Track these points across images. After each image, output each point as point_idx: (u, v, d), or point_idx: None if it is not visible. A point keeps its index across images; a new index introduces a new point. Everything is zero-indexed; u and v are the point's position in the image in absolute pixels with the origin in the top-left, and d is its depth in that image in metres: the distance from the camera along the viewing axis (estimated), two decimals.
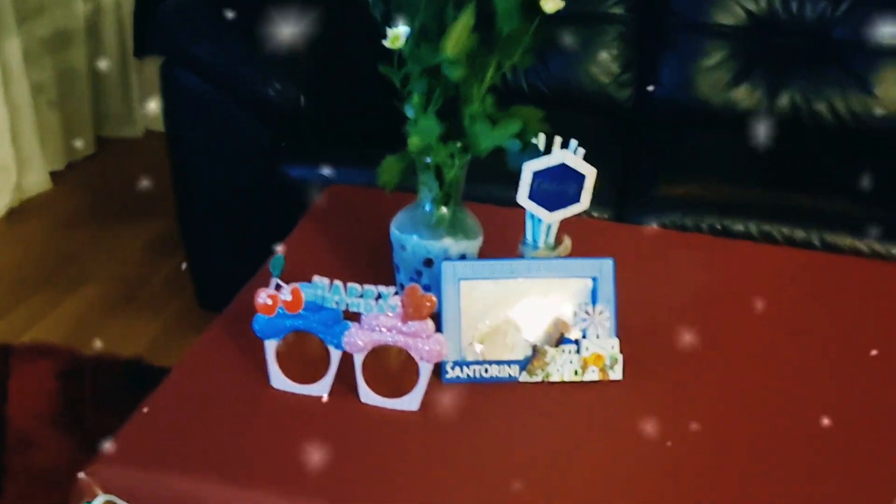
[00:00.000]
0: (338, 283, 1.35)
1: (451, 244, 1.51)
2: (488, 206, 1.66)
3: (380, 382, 1.38)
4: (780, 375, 1.47)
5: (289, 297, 1.35)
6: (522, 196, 1.45)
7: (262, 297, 1.36)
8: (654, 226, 1.98)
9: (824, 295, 1.64)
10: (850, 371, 1.47)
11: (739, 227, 2.03)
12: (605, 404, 1.40)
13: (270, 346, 1.39)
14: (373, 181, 1.47)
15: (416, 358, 1.35)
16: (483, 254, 1.54)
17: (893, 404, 1.41)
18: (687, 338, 1.53)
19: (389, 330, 1.35)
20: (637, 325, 1.46)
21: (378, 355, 1.37)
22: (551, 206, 1.46)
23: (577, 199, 1.47)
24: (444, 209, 1.52)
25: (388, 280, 1.61)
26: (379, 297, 1.33)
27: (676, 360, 1.49)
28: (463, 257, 1.54)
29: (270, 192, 2.16)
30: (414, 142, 1.45)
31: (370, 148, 1.62)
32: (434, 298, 1.34)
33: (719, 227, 2.04)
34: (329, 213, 1.79)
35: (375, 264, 1.64)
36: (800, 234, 2.02)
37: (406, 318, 1.34)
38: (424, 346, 1.34)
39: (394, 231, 1.54)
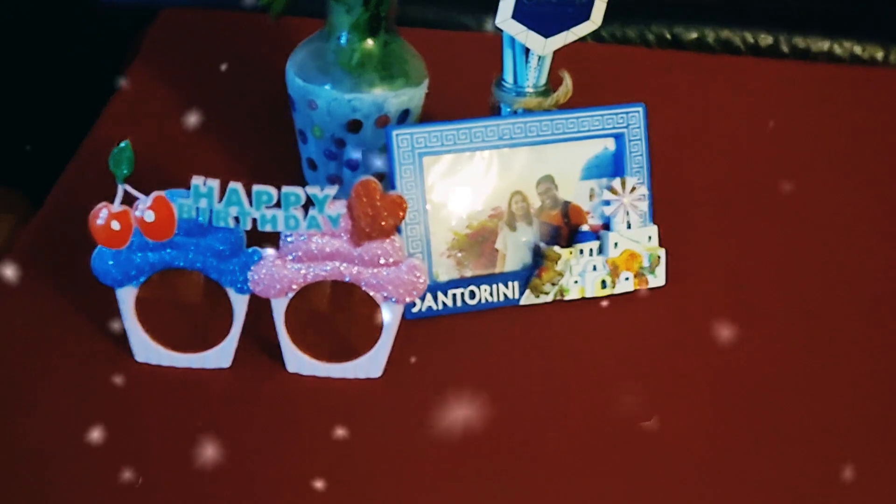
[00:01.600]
0: (235, 186, 0.71)
1: (387, 96, 0.91)
2: (431, 32, 1.07)
3: (317, 340, 0.79)
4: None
5: (150, 216, 0.71)
6: (504, 15, 0.84)
7: (104, 217, 0.71)
8: (590, 41, 1.40)
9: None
10: None
11: (693, 34, 1.49)
12: (655, 327, 0.87)
13: (126, 298, 0.76)
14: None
15: (378, 298, 0.74)
16: (430, 110, 0.95)
17: None
18: (734, 207, 1.00)
19: (330, 257, 0.73)
20: (658, 197, 0.91)
21: (312, 299, 0.78)
22: (548, 29, 0.86)
23: (584, 15, 0.85)
24: (369, 41, 0.91)
25: (288, 158, 0.99)
26: (309, 203, 0.70)
27: (726, 245, 0.96)
28: (405, 115, 0.93)
29: (77, 29, 1.46)
30: None
31: None
32: (402, 197, 0.73)
33: (669, 35, 1.50)
34: (170, 58, 1.13)
35: (265, 134, 1.03)
36: (766, 39, 1.49)
37: (359, 235, 0.73)
38: (391, 278, 0.73)
39: (293, 79, 0.93)
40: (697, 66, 1.24)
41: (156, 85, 1.09)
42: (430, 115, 0.95)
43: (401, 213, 0.73)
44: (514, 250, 0.88)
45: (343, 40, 0.91)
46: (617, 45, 1.36)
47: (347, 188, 0.89)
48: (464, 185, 0.86)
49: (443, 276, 0.86)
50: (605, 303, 0.88)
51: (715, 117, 1.11)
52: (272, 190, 0.72)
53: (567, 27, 0.87)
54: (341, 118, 0.91)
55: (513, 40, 0.87)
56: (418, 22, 1.37)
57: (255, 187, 0.72)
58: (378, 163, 0.94)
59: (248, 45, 1.15)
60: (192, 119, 1.03)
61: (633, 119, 0.89)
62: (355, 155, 0.94)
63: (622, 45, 1.34)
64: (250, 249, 0.76)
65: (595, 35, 0.96)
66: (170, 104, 1.06)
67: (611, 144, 0.89)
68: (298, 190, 0.72)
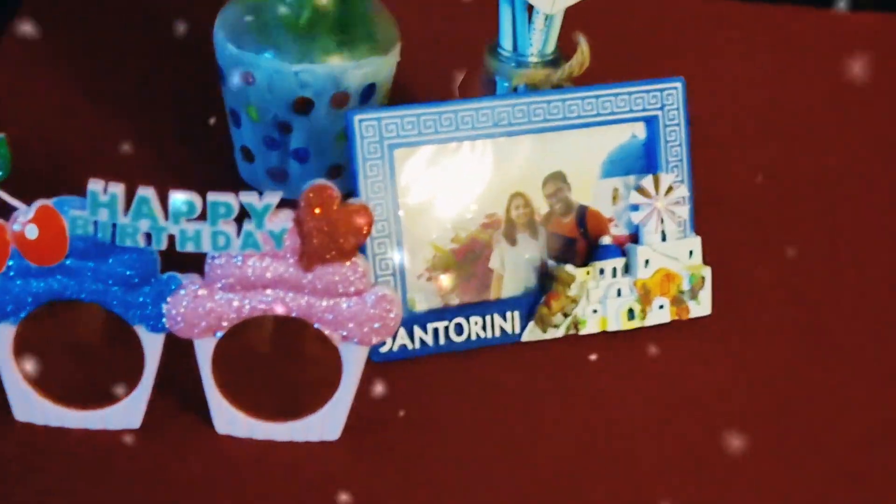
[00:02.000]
0: (146, 192, 0.70)
1: (346, 67, 0.90)
2: None
3: (255, 393, 0.78)
4: None
5: (33, 232, 0.71)
6: None
7: None
8: None
9: None
10: None
11: None
12: (699, 370, 0.86)
13: (1, 338, 0.74)
14: None
15: (335, 338, 0.74)
16: (403, 86, 0.96)
17: None
18: (802, 212, 1.01)
19: (272, 285, 0.73)
20: (703, 199, 0.91)
21: (248, 339, 0.77)
22: None
23: None
24: None
25: (216, 147, 0.98)
26: (243, 216, 0.70)
27: (792, 262, 0.96)
28: (370, 91, 0.92)
29: None
30: None
31: None
32: (368, 208, 0.72)
33: None
34: (60, 13, 1.12)
35: (186, 116, 1.02)
36: None
37: (310, 258, 0.72)
38: (353, 312, 0.74)
39: (223, 44, 0.92)
40: (759, 19, 1.24)
41: (38, 52, 1.07)
42: (403, 92, 0.95)
43: (365, 229, 0.72)
44: (514, 270, 0.87)
45: None
46: None
47: (294, 186, 0.89)
48: (448, 185, 0.85)
49: (421, 306, 0.85)
50: (633, 338, 0.87)
51: (784, 91, 1.11)
52: (195, 198, 0.71)
53: None
54: (286, 96, 0.90)
55: None
56: None
57: (173, 194, 0.70)
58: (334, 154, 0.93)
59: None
60: (89, 98, 1.01)
61: (669, 98, 0.88)
62: (304, 143, 0.92)
63: None
64: (166, 276, 0.74)
65: None
66: (57, 79, 1.04)
67: (640, 131, 0.88)
68: (230, 198, 0.71)
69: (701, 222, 0.90)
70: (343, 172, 0.94)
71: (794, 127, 1.07)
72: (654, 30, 1.15)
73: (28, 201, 0.71)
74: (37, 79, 1.04)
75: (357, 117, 0.82)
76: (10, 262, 0.73)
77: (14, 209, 0.71)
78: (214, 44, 0.92)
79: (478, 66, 0.92)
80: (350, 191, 0.82)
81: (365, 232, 0.72)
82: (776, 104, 1.10)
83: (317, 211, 0.71)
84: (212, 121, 0.98)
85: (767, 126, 1.08)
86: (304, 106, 0.90)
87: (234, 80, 0.91)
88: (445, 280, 0.86)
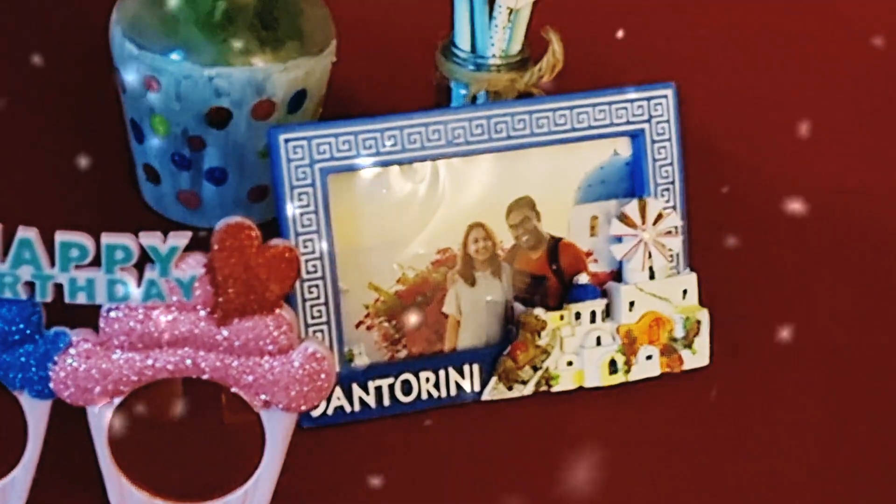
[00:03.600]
0: (27, 234, 0.73)
1: (270, 70, 0.94)
2: None
3: (160, 471, 0.81)
4: None
5: None
6: None
7: None
8: None
9: None
10: None
11: None
12: (695, 434, 0.90)
13: None
14: None
15: (256, 404, 0.77)
16: (339, 92, 1.00)
17: None
18: (821, 241, 1.05)
19: (180, 342, 0.77)
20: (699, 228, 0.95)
21: (151, 406, 0.81)
22: None
23: None
24: None
25: (113, 165, 1.02)
26: (144, 260, 0.74)
27: (806, 301, 1.01)
28: (300, 99, 0.96)
29: None
30: None
31: None
32: (294, 251, 0.75)
33: None
34: None
35: (75, 128, 1.06)
36: None
37: (225, 310, 0.75)
38: (277, 373, 0.77)
39: (121, 43, 0.95)
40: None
41: None
42: (339, 100, 0.99)
43: (291, 276, 0.74)
44: (472, 316, 0.91)
45: None
46: None
47: (209, 213, 0.92)
48: (393, 216, 0.89)
49: (360, 360, 0.89)
50: (615, 396, 0.91)
51: (795, 92, 1.16)
52: (87, 240, 0.73)
53: None
54: (198, 105, 0.94)
55: None
56: None
57: (61, 235, 0.73)
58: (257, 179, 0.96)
59: None
60: None
61: (658, 108, 0.92)
62: (220, 162, 0.96)
63: None
64: (52, 332, 0.77)
65: None
66: None
67: (624, 148, 0.92)
68: (128, 239, 0.73)
69: (697, 255, 0.94)
70: (268, 195, 0.97)
71: (806, 140, 1.11)
72: (640, 24, 1.19)
73: None
74: None
75: (282, 136, 0.85)
76: None
77: None
78: (110, 41, 0.95)
79: (429, 69, 0.96)
80: (275, 218, 0.86)
81: (291, 279, 0.75)
82: (785, 110, 1.14)
83: (232, 259, 0.73)
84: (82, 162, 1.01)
85: (775, 138, 1.12)
86: (219, 117, 0.94)
87: (134, 85, 0.94)
88: (391, 327, 0.89)
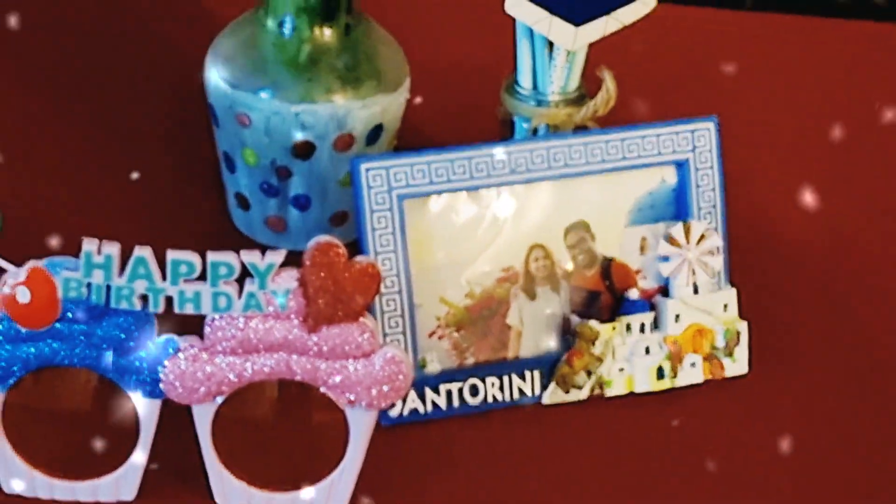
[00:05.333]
0: (142, 252, 0.80)
1: (351, 106, 1.01)
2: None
3: (257, 462, 0.88)
4: None
5: (24, 296, 0.81)
6: None
7: None
8: None
9: None
10: None
11: None
12: (735, 434, 0.96)
13: None
14: None
15: (342, 402, 0.84)
16: (413, 125, 1.06)
17: None
18: (850, 260, 1.11)
19: (275, 347, 0.84)
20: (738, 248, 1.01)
21: (249, 405, 0.87)
22: (580, 14, 0.96)
23: None
24: (326, 30, 1.01)
25: (208, 192, 1.09)
26: (245, 275, 0.81)
27: (838, 314, 1.06)
28: (377, 133, 1.02)
29: None
30: None
31: None
32: (377, 267, 0.83)
33: None
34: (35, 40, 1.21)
35: (174, 158, 1.13)
36: None
37: (315, 318, 0.82)
38: (361, 375, 0.84)
39: (215, 82, 1.02)
40: (811, 34, 1.34)
41: (18, 103, 1.17)
42: (413, 132, 1.05)
43: (373, 289, 0.82)
44: (533, 327, 0.97)
45: (287, 28, 1.00)
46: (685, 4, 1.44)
47: (294, 236, 0.99)
48: (462, 238, 0.95)
49: (433, 366, 0.95)
50: (663, 400, 0.97)
51: (831, 125, 1.20)
52: (194, 258, 0.80)
53: (606, 10, 0.96)
54: (285, 138, 1.00)
55: (531, 29, 0.97)
56: None
57: (171, 254, 0.80)
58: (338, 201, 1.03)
59: (146, 19, 1.23)
60: (74, 148, 1.11)
61: (701, 139, 0.98)
62: (305, 190, 1.02)
63: (695, 6, 1.42)
64: (163, 339, 0.84)
65: None
66: (41, 131, 1.14)
67: (670, 175, 0.99)
68: (231, 257, 0.80)
69: (737, 272, 0.99)
70: (348, 219, 1.03)
71: (842, 166, 1.17)
72: (685, 63, 1.24)
73: (18, 262, 0.81)
74: (21, 133, 1.14)
75: (364, 166, 0.92)
76: (3, 323, 0.83)
77: (3, 271, 0.81)
78: (205, 81, 1.02)
79: (495, 105, 1.02)
80: (355, 239, 0.92)
81: (373, 292, 0.83)
82: (821, 140, 1.18)
83: (322, 274, 0.81)
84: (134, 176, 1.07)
85: (811, 165, 1.17)
86: (304, 149, 1.00)
87: (227, 120, 1.01)
88: (457, 336, 0.95)
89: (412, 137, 1.06)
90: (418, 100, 1.04)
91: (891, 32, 1.38)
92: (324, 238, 0.82)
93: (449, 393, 0.95)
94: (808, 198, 1.13)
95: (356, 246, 0.91)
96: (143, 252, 0.81)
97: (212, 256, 0.81)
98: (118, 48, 1.21)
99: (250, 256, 0.81)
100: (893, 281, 1.09)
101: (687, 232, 0.97)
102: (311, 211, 1.03)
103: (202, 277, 0.81)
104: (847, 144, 1.19)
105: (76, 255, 0.80)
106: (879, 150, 1.20)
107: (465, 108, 1.06)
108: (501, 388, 0.96)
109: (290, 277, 0.82)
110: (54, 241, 0.90)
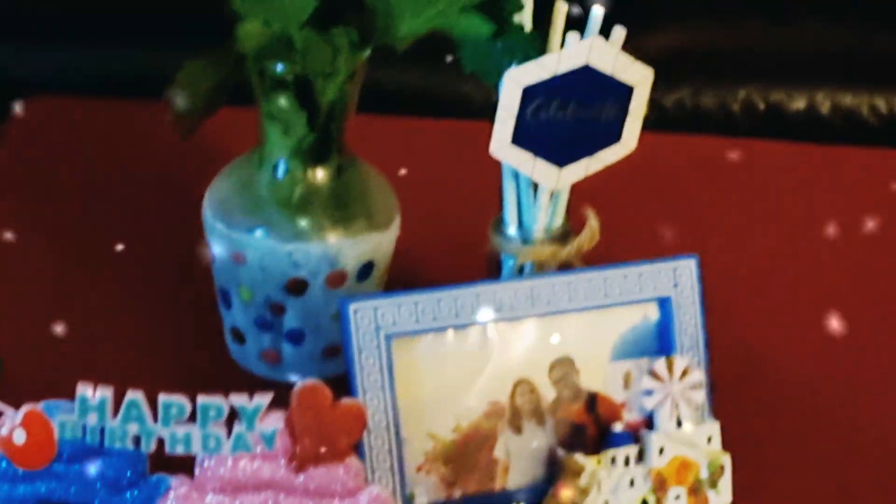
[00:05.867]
0: (135, 396, 0.83)
1: (342, 245, 1.04)
2: (404, 123, 1.23)
3: None
4: None
5: (21, 437, 0.84)
6: (501, 141, 0.97)
7: None
8: None
9: None
10: None
11: (800, 101, 1.74)
12: None
13: None
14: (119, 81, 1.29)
15: None
16: (403, 260, 1.09)
17: None
18: (832, 393, 1.14)
19: (263, 486, 0.88)
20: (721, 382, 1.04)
21: None
22: (562, 157, 1.00)
23: (614, 136, 0.99)
24: (318, 171, 1.04)
25: (205, 326, 1.11)
26: (232, 414, 0.84)
27: (821, 446, 1.09)
28: (368, 269, 1.05)
29: None
30: (249, 34, 0.97)
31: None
32: (362, 408, 0.85)
33: (762, 104, 1.73)
34: (44, 168, 1.26)
35: (173, 293, 1.16)
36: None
37: (302, 459, 0.86)
38: None
39: (212, 222, 1.06)
40: (800, 160, 1.37)
41: (13, 221, 1.21)
42: (402, 266, 1.08)
43: (358, 429, 0.85)
44: (520, 460, 0.99)
45: (280, 170, 1.04)
46: (671, 131, 1.48)
47: (288, 369, 1.02)
48: (448, 374, 0.97)
49: (421, 500, 0.97)
50: None
51: (812, 261, 1.24)
52: (184, 401, 0.84)
53: (589, 151, 1.00)
54: (279, 276, 1.04)
55: (516, 171, 1.00)
56: (393, 94, 1.50)
57: (163, 397, 0.84)
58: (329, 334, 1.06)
59: (146, 155, 1.27)
60: (73, 279, 1.15)
61: (682, 277, 1.01)
62: (298, 324, 1.05)
63: (681, 134, 1.46)
64: (154, 478, 0.87)
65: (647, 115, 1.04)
66: (37, 273, 1.17)
67: (653, 312, 1.01)
68: (220, 400, 0.83)
69: (720, 405, 1.01)
70: (340, 352, 1.05)
71: (824, 300, 1.18)
72: (668, 201, 1.27)
73: (15, 404, 0.84)
74: (22, 251, 1.17)
75: (352, 306, 0.94)
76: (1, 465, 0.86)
77: (1, 413, 0.84)
78: (203, 220, 1.05)
79: (484, 236, 1.05)
80: (346, 373, 0.94)
81: (358, 432, 0.86)
82: (805, 274, 1.22)
83: (308, 415, 0.84)
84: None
85: (793, 300, 1.20)
86: (297, 286, 1.03)
87: (224, 258, 1.04)
88: (443, 472, 0.97)
89: (403, 271, 1.09)
90: (408, 236, 1.07)
91: (880, 158, 1.40)
92: (310, 381, 0.86)
93: None
94: (790, 332, 1.17)
95: (346, 377, 0.93)
96: (136, 395, 0.84)
97: (201, 399, 0.84)
98: (118, 187, 1.26)
99: (238, 399, 0.83)
100: (874, 416, 1.11)
101: (670, 367, 0.99)
102: (305, 344, 1.06)
103: (193, 418, 0.84)
104: (831, 278, 1.23)
105: (74, 393, 0.83)
106: (863, 284, 1.23)
107: (453, 244, 1.10)
108: None
109: (277, 419, 0.85)
110: (52, 377, 0.92)
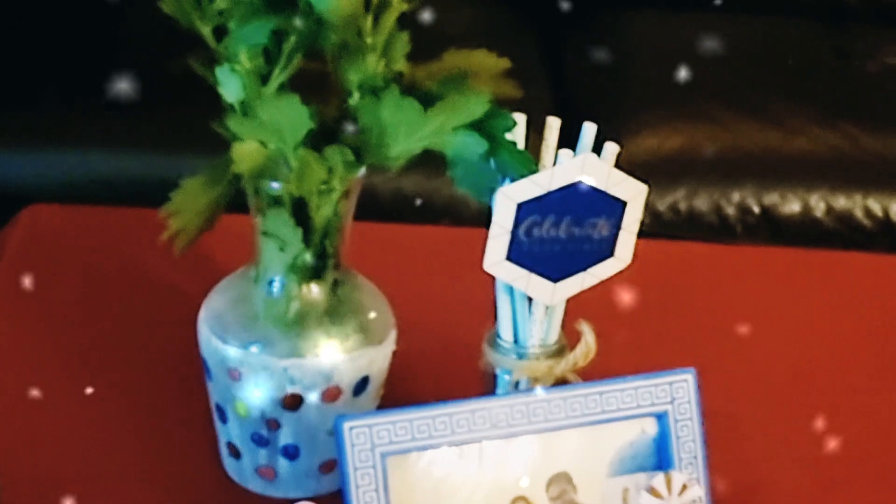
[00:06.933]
0: None
1: (337, 360, 1.04)
2: (398, 229, 1.25)
3: None
4: None
5: None
6: (495, 257, 0.98)
7: None
8: None
9: None
10: None
11: (795, 204, 1.70)
12: None
13: None
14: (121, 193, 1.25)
15: None
16: (398, 374, 1.08)
17: None
18: None
19: None
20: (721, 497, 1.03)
21: None
22: (557, 272, 1.01)
23: (608, 251, 1.00)
24: (313, 287, 1.04)
25: (201, 441, 1.11)
26: None
27: None
28: (364, 384, 1.06)
29: None
30: (244, 155, 0.97)
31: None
32: None
33: (757, 208, 1.69)
34: (42, 283, 1.25)
35: (167, 410, 1.15)
36: None
37: None
38: None
39: (207, 337, 1.06)
40: (799, 267, 1.36)
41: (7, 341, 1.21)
42: (398, 380, 1.08)
43: None
44: None
45: (276, 286, 1.04)
46: (668, 237, 1.49)
47: (284, 485, 1.01)
48: (445, 492, 0.97)
49: None
50: None
51: (812, 372, 1.23)
52: None
53: (583, 267, 1.00)
54: (274, 392, 1.03)
55: (510, 286, 1.00)
56: (389, 199, 1.51)
57: None
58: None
59: (141, 264, 1.27)
60: (67, 397, 1.14)
61: (679, 391, 1.01)
62: (294, 440, 1.05)
63: (676, 240, 1.47)
64: None
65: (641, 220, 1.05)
66: (25, 375, 1.16)
67: (650, 427, 1.01)
68: None
69: None
70: (336, 467, 1.05)
71: (827, 413, 1.17)
72: (663, 310, 1.28)
73: None
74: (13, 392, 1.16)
75: (347, 424, 0.94)
76: None
77: None
78: (198, 336, 1.05)
79: (479, 349, 1.05)
80: (341, 489, 0.94)
81: None
82: (801, 384, 1.21)
83: None
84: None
85: (793, 412, 1.19)
86: (293, 402, 1.03)
87: (219, 374, 1.04)
88: None
89: (399, 385, 1.09)
90: (404, 350, 1.07)
91: (881, 263, 1.40)
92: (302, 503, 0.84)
93: None
94: (792, 445, 1.16)
95: (340, 495, 0.93)
96: None
97: None
98: (113, 300, 1.25)
99: None
100: None
101: (668, 483, 0.99)
102: (301, 460, 1.06)
103: None
104: (832, 387, 1.22)
105: None
106: (866, 395, 1.22)
107: (449, 358, 1.10)
108: None
109: None
110: (45, 495, 0.92)
